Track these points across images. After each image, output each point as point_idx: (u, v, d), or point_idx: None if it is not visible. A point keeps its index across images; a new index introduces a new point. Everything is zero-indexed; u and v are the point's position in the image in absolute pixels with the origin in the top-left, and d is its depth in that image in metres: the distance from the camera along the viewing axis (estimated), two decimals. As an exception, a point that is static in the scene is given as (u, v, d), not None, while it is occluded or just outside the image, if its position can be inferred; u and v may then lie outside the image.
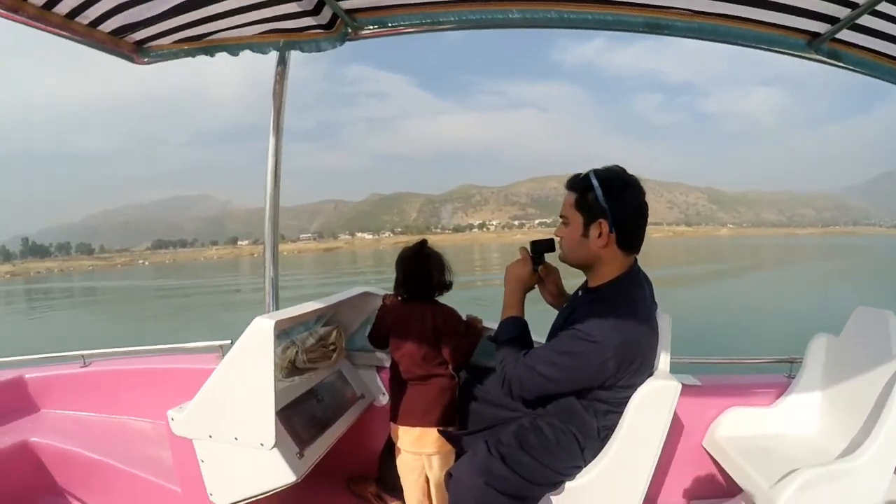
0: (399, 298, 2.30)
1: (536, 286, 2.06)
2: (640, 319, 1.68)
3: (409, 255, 2.23)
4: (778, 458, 2.10)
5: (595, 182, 1.72)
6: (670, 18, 2.00)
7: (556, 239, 1.89)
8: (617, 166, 1.79)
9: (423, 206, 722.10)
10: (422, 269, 2.20)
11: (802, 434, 2.32)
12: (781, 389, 2.45)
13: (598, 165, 1.79)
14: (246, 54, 2.40)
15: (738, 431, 2.34)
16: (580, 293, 1.92)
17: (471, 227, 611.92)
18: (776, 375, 2.57)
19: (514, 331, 1.87)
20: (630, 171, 1.77)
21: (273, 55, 2.41)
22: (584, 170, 1.78)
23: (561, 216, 1.85)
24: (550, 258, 2.03)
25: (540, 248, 2.01)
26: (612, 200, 1.71)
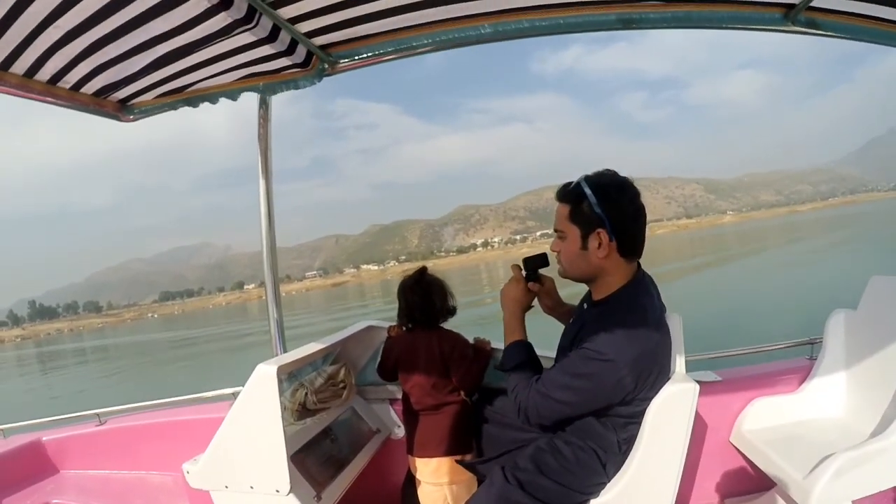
0: (404, 329, 2.28)
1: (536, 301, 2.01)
2: (652, 328, 1.60)
3: (410, 284, 2.21)
4: (809, 446, 2.04)
5: (587, 190, 1.64)
6: (642, 11, 1.97)
7: (553, 253, 1.83)
8: (608, 170, 1.71)
9: (423, 231, 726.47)
10: (424, 298, 2.18)
11: (831, 417, 2.26)
12: (804, 373, 2.39)
13: (592, 170, 1.71)
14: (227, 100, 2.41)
15: (765, 423, 2.28)
16: (585, 306, 1.85)
17: (474, 246, 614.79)
18: (797, 359, 2.52)
19: (521, 355, 1.80)
20: (624, 171, 1.71)
21: (254, 98, 2.42)
22: (579, 177, 1.71)
23: (556, 230, 1.77)
24: (551, 271, 1.97)
25: (532, 265, 1.97)
26: (608, 207, 1.62)
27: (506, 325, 1.90)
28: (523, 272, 1.97)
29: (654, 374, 1.60)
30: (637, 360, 1.55)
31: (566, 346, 1.77)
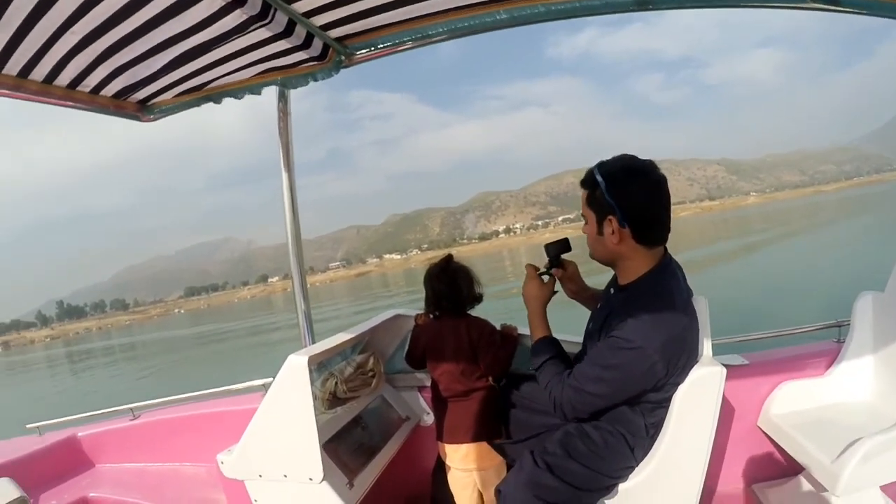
0: (431, 317, 2.29)
1: (561, 288, 2.02)
2: (679, 312, 1.59)
3: (437, 272, 2.22)
4: (837, 429, 2.01)
5: (598, 177, 1.65)
6: (658, -9, 1.94)
7: (579, 236, 1.84)
8: (625, 155, 1.69)
9: (444, 219, 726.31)
10: (451, 286, 2.19)
11: (860, 400, 2.22)
12: (832, 356, 2.35)
13: (611, 153, 1.70)
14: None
15: (793, 406, 2.25)
16: (612, 291, 1.83)
17: (496, 233, 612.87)
18: (825, 342, 2.47)
19: (549, 351, 1.82)
20: (643, 154, 1.67)
21: (269, 94, 2.43)
22: (598, 160, 1.69)
23: (582, 214, 1.79)
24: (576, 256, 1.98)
25: (555, 251, 1.99)
26: (617, 194, 1.62)
27: (530, 322, 1.92)
28: (539, 269, 2.00)
29: (684, 359, 1.60)
30: (665, 345, 1.54)
31: (594, 332, 1.77)
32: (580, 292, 2.06)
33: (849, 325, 2.36)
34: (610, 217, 1.64)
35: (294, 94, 2.48)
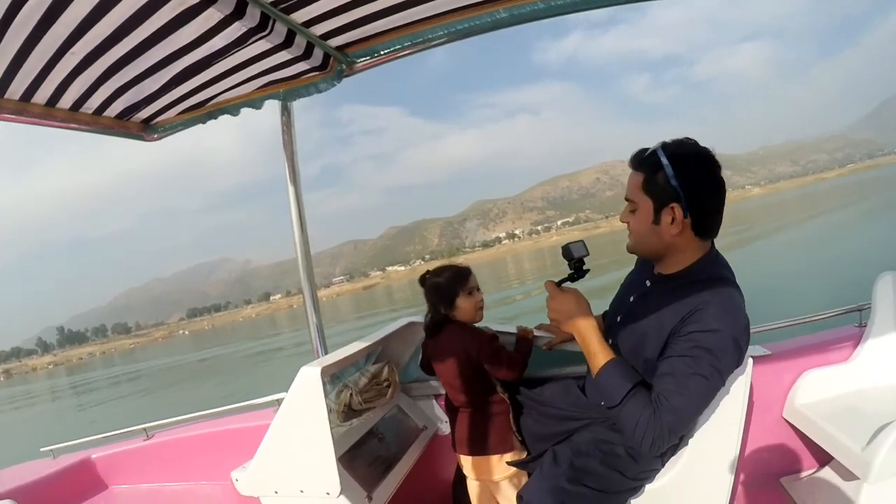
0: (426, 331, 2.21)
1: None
2: (740, 294, 1.47)
3: (423, 285, 2.14)
4: (865, 416, 1.96)
5: (664, 159, 1.47)
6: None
7: (630, 223, 1.61)
8: (688, 139, 1.53)
9: (442, 229, 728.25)
10: (429, 302, 2.12)
11: (886, 384, 2.17)
12: (855, 341, 2.30)
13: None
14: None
15: (818, 395, 2.20)
16: (648, 283, 1.67)
17: (499, 239, 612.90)
18: (846, 328, 2.42)
19: (629, 377, 1.49)
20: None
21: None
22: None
23: (627, 199, 1.60)
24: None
25: (576, 253, 1.71)
26: (686, 180, 1.46)
27: (583, 345, 1.60)
28: (559, 280, 1.74)
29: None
30: (746, 328, 1.43)
31: (628, 315, 1.66)
32: None
33: (869, 308, 2.32)
34: (673, 205, 1.48)
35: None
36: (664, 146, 1.51)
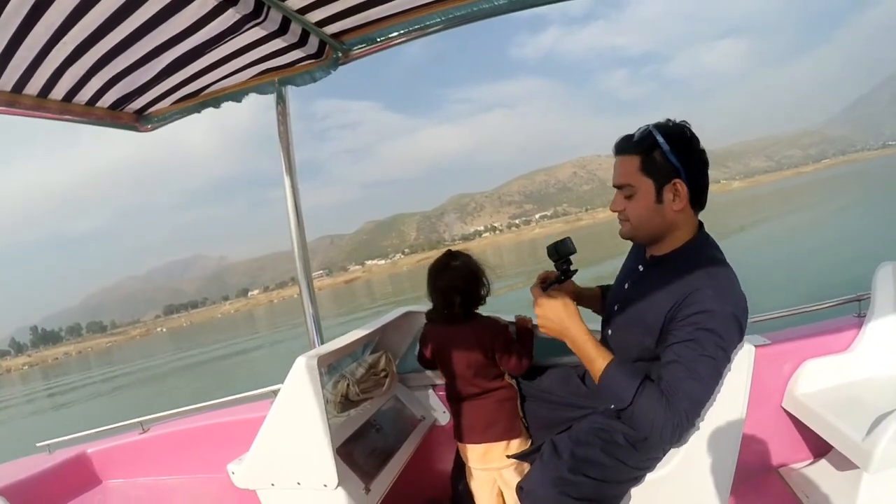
0: (431, 320, 2.17)
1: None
2: (734, 273, 1.48)
3: (438, 271, 2.06)
4: (865, 406, 1.96)
5: (660, 138, 1.50)
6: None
7: (627, 209, 1.60)
8: (670, 119, 1.57)
9: (419, 223, 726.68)
10: (454, 288, 2.03)
11: (886, 374, 2.17)
12: (855, 331, 2.30)
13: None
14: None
15: (818, 385, 2.20)
16: (641, 268, 1.68)
17: (478, 233, 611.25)
18: (846, 318, 2.42)
19: (634, 375, 1.46)
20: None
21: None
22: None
23: (619, 186, 1.59)
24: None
25: (564, 252, 1.66)
26: (684, 155, 1.50)
27: (578, 353, 1.57)
28: (545, 282, 1.73)
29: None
30: (745, 307, 1.44)
31: (624, 302, 1.66)
32: (580, 301, 1.90)
33: (869, 298, 2.32)
34: (675, 181, 1.50)
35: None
36: (657, 126, 1.54)
